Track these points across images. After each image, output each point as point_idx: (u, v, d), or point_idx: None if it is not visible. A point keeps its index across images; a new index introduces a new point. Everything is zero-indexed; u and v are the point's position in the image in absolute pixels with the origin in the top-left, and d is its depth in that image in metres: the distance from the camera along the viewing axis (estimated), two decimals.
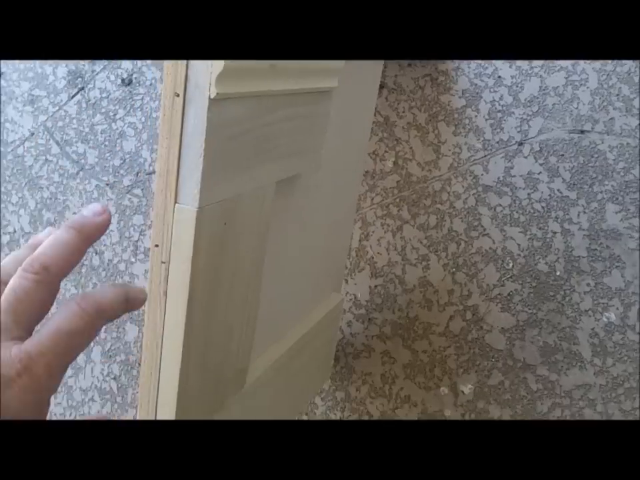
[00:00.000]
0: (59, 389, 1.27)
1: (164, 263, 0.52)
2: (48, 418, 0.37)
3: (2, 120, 1.33)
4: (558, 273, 0.97)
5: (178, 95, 0.46)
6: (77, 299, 0.38)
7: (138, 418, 0.59)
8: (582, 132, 0.95)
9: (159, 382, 0.56)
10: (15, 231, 1.31)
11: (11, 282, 0.37)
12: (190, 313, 0.53)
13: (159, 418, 0.57)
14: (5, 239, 1.31)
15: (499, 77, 0.99)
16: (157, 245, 0.52)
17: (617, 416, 0.95)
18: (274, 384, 0.79)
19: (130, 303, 0.40)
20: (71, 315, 0.37)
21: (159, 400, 0.57)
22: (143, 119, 1.20)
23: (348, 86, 0.74)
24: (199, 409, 0.61)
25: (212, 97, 0.45)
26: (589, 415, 0.96)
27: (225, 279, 0.57)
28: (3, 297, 0.37)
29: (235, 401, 0.69)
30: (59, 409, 1.28)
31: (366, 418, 1.09)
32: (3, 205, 1.32)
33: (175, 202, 0.50)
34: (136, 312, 1.21)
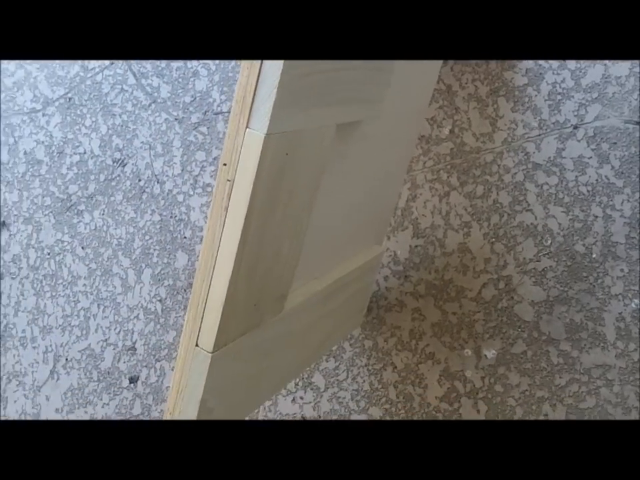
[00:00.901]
0: (107, 303, 1.35)
1: (229, 180, 0.58)
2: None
3: None
4: (594, 256, 1.01)
5: None
6: None
7: (185, 321, 0.65)
8: (637, 123, 0.97)
9: (209, 289, 0.62)
10: (85, 152, 1.39)
11: None
12: (245, 229, 0.59)
13: (204, 323, 0.64)
14: (75, 158, 1.40)
15: (564, 60, 1.01)
16: (225, 164, 0.58)
17: (632, 399, 0.98)
18: (308, 316, 0.85)
19: None
20: None
21: (207, 306, 0.63)
22: (217, 61, 1.26)
23: None
24: (240, 321, 0.67)
25: None
26: (605, 394, 1.00)
27: (280, 205, 0.63)
28: None
29: (272, 324, 0.75)
30: (105, 322, 1.37)
31: (390, 368, 1.15)
32: (77, 127, 1.40)
33: (247, 126, 0.55)
34: (188, 241, 1.29)
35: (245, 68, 0.54)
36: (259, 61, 0.53)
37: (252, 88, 0.54)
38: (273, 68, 0.53)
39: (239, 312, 0.65)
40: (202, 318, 0.63)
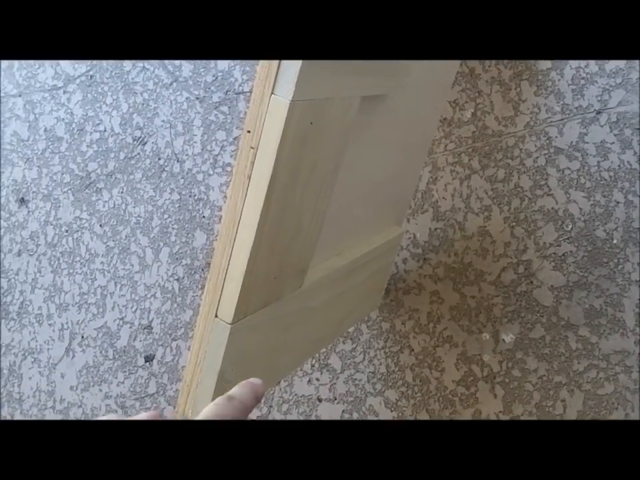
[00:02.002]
0: (124, 282, 1.36)
1: (253, 148, 0.57)
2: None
3: None
4: (614, 242, 1.00)
5: None
6: (224, 398, 0.43)
7: (205, 291, 0.65)
8: None
9: (230, 258, 0.62)
10: (105, 130, 1.39)
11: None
12: (268, 198, 0.59)
13: (224, 293, 0.63)
14: (96, 136, 1.40)
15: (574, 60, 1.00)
16: (249, 131, 0.57)
17: None
18: (328, 293, 0.85)
19: (258, 398, 0.46)
20: (224, 406, 0.42)
21: (227, 276, 0.63)
22: None
23: None
24: (260, 293, 0.67)
25: None
26: (623, 380, 0.99)
27: (303, 175, 0.62)
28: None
29: (292, 298, 0.75)
30: (122, 301, 1.38)
31: (407, 351, 1.15)
32: (98, 104, 1.40)
33: (272, 93, 0.55)
34: (206, 220, 1.29)
35: None
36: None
37: None
38: None
39: (260, 284, 0.65)
40: (222, 289, 0.63)
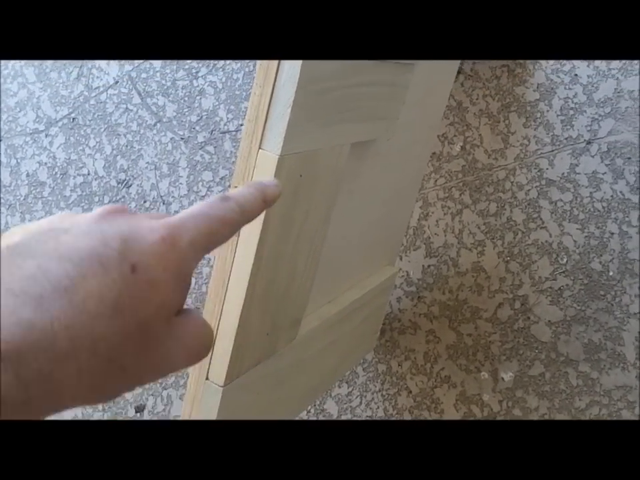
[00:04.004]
0: None
1: None
2: None
3: (89, 66, 1.39)
4: (611, 273, 0.98)
5: None
6: (218, 198, 0.35)
7: None
8: None
9: (220, 318, 0.59)
10: (88, 174, 1.37)
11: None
12: (259, 254, 0.56)
13: (215, 353, 0.61)
14: (79, 180, 1.37)
15: (576, 74, 0.99)
16: (236, 187, 0.55)
17: None
18: (322, 342, 0.82)
19: (267, 202, 0.39)
20: (215, 205, 0.34)
21: (217, 337, 0.60)
22: (224, 79, 1.24)
23: (429, 64, 0.76)
24: (253, 351, 0.64)
25: None
26: (626, 416, 0.97)
27: (294, 227, 0.60)
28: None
29: (285, 351, 0.72)
30: None
31: (405, 393, 1.12)
32: (80, 147, 1.37)
33: (260, 147, 0.53)
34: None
35: (258, 86, 0.51)
36: (272, 80, 0.50)
37: (265, 107, 0.52)
38: (287, 86, 0.50)
39: (252, 342, 0.63)
40: (212, 349, 0.61)
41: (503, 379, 1.05)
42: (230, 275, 0.58)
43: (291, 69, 0.50)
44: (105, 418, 1.36)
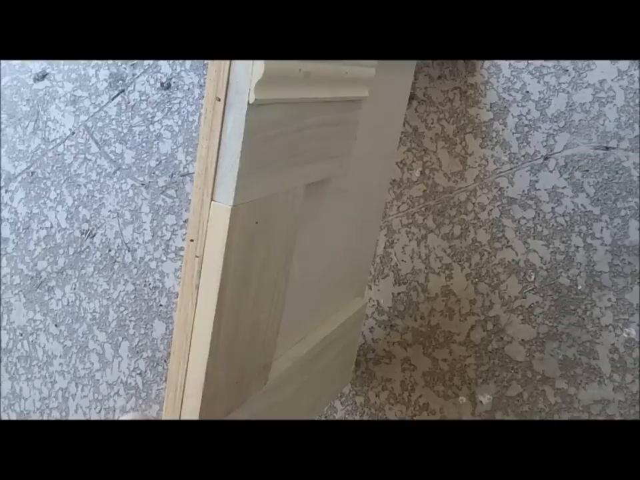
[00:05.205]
0: (85, 381, 1.30)
1: (197, 257, 0.55)
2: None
3: (45, 119, 1.38)
4: (579, 287, 0.99)
5: (219, 100, 0.49)
6: None
7: (164, 409, 0.61)
8: (607, 148, 0.97)
9: (186, 373, 0.59)
10: (51, 226, 1.35)
11: None
12: (220, 306, 0.56)
13: (184, 409, 0.60)
14: (42, 233, 1.36)
15: (527, 91, 1.00)
16: (192, 240, 0.55)
17: None
18: (295, 383, 0.81)
19: None
20: None
21: (185, 391, 0.59)
22: (180, 122, 1.24)
23: (378, 96, 0.77)
24: (223, 401, 0.63)
25: (251, 102, 0.48)
26: None
27: (254, 275, 0.60)
28: None
29: (257, 398, 0.71)
30: (84, 402, 1.32)
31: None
32: (42, 201, 1.36)
33: (212, 199, 0.52)
34: (164, 309, 1.25)
35: (204, 139, 0.51)
36: (218, 132, 0.50)
37: (213, 159, 0.51)
38: (233, 137, 0.50)
39: (221, 393, 0.62)
40: (181, 406, 0.60)
41: (481, 402, 1.05)
42: (192, 330, 0.57)
43: (236, 120, 0.49)
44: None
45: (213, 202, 0.53)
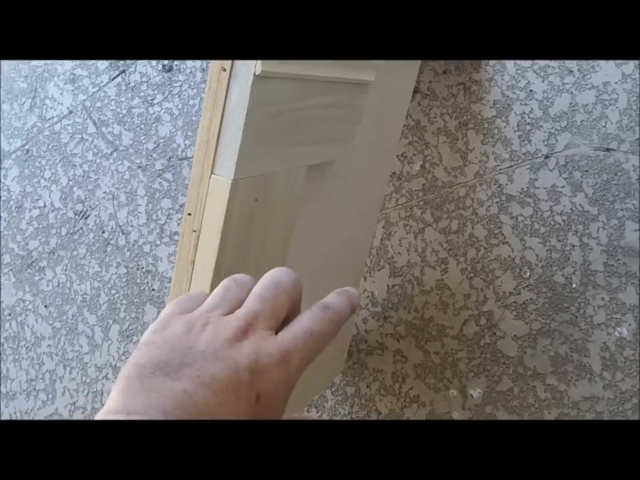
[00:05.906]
0: (73, 364, 1.29)
1: (195, 231, 0.54)
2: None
3: (42, 96, 1.36)
4: (574, 286, 0.98)
5: (225, 70, 0.48)
6: (320, 308, 0.40)
7: None
8: (608, 150, 0.96)
9: None
10: (44, 206, 1.34)
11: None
12: (215, 283, 0.55)
13: None
14: (35, 212, 1.35)
15: (531, 90, 1.00)
16: (189, 214, 0.54)
17: None
18: None
19: (353, 309, 0.43)
20: (320, 319, 0.40)
21: None
22: (180, 106, 1.23)
23: (384, 84, 0.76)
24: None
25: (257, 73, 0.47)
26: None
27: (252, 253, 0.59)
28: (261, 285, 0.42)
29: None
30: (72, 384, 1.31)
31: (374, 415, 1.11)
32: (36, 180, 1.35)
33: (212, 173, 0.52)
34: (156, 293, 1.24)
35: (207, 110, 0.50)
36: (222, 103, 0.49)
37: (215, 131, 0.51)
38: (237, 109, 0.49)
39: None
40: None
41: (471, 395, 1.05)
42: None
43: (241, 91, 0.49)
44: None
45: (212, 175, 0.52)
